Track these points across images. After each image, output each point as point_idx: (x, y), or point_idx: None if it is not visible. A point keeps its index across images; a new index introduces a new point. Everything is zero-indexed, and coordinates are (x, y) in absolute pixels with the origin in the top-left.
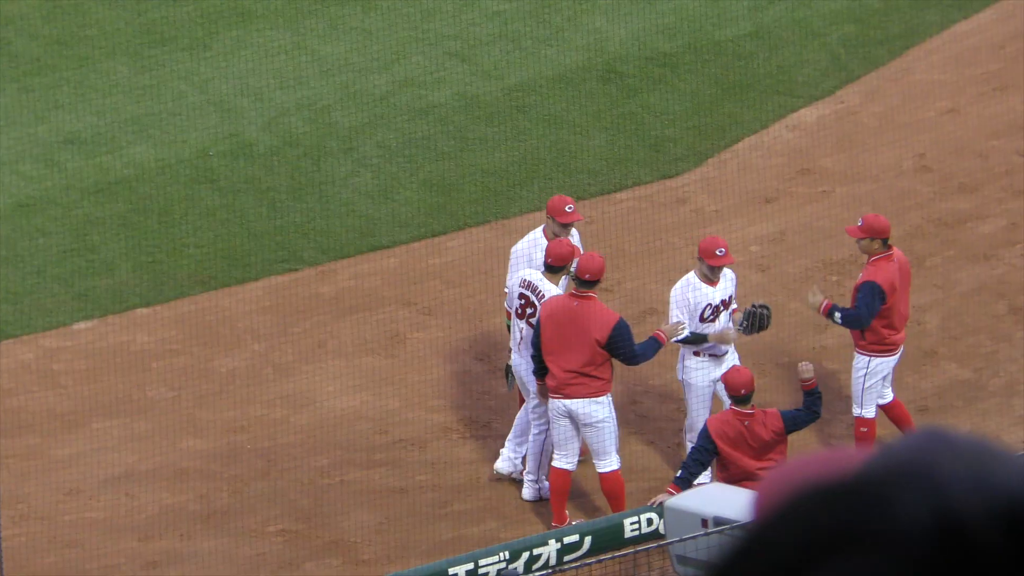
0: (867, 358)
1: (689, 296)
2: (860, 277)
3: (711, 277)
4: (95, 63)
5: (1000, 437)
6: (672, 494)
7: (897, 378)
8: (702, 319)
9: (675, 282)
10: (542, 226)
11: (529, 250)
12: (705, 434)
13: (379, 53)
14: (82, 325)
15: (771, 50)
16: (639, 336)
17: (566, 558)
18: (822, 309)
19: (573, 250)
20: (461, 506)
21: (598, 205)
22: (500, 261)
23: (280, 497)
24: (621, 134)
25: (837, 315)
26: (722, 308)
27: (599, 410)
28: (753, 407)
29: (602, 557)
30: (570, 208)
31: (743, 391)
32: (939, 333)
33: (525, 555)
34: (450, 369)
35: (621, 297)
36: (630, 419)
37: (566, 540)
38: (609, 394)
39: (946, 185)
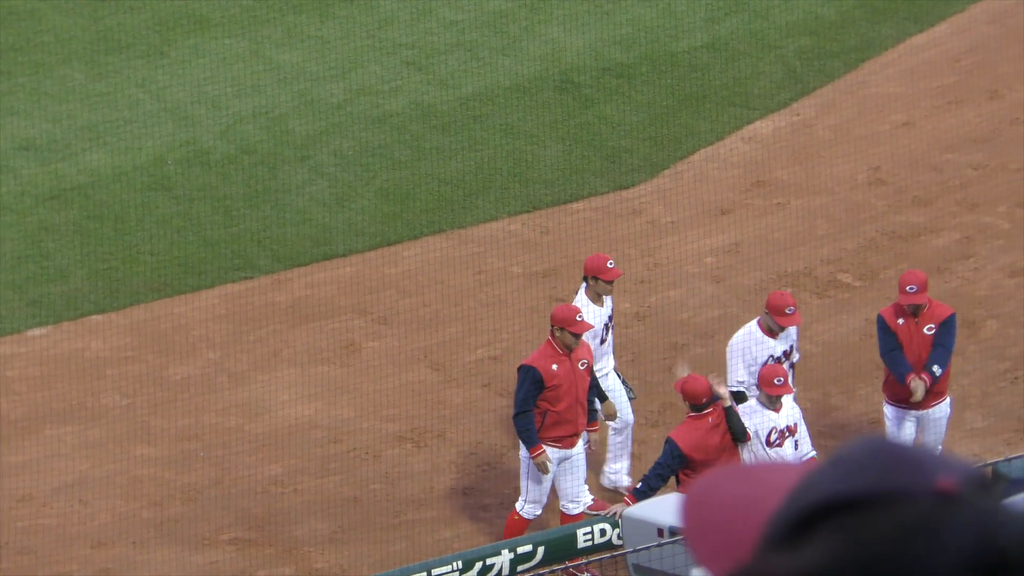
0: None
1: (752, 348)
2: (933, 309)
3: (775, 329)
4: (50, 69)
5: (952, 450)
6: (628, 505)
7: (850, 389)
8: None
9: (629, 293)
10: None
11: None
12: (673, 450)
13: (335, 61)
14: (36, 331)
15: (727, 62)
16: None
17: (519, 568)
18: (924, 382)
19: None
20: (415, 515)
21: (553, 215)
22: (455, 270)
23: (233, 505)
24: (577, 144)
25: (937, 368)
26: (783, 359)
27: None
28: (712, 406)
29: (555, 567)
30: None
31: (704, 399)
32: None
33: (478, 565)
34: (405, 378)
35: None
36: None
37: (519, 550)
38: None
39: (900, 198)
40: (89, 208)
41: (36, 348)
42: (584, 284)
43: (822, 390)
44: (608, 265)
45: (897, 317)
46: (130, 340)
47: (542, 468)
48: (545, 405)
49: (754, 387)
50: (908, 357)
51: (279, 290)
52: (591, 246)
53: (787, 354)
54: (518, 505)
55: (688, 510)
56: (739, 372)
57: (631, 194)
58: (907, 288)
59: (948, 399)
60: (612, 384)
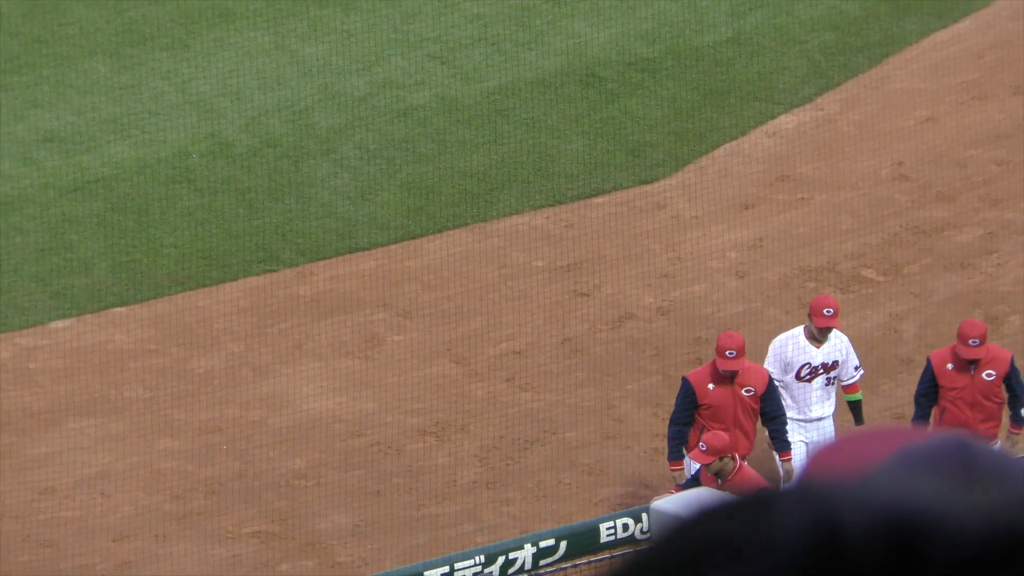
0: None
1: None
2: (991, 352)
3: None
4: (74, 61)
5: None
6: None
7: (873, 385)
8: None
9: (653, 287)
10: (803, 326)
11: (782, 346)
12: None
13: (359, 55)
14: (59, 324)
15: (751, 56)
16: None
17: (542, 562)
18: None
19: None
20: (437, 509)
21: (577, 209)
22: (478, 264)
23: (256, 498)
24: (600, 139)
25: None
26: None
27: None
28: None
29: (578, 562)
30: (829, 312)
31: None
32: (915, 341)
33: (501, 559)
34: (427, 372)
35: (599, 302)
36: (606, 424)
37: (542, 544)
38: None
39: (924, 194)
40: (112, 200)
41: (59, 340)
42: (808, 320)
43: None
44: (824, 312)
45: (947, 363)
46: (153, 333)
47: (678, 479)
48: (702, 423)
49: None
50: (963, 401)
51: (302, 283)
52: (614, 240)
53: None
54: None
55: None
56: (770, 366)
57: (654, 188)
58: (970, 342)
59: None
60: (823, 430)
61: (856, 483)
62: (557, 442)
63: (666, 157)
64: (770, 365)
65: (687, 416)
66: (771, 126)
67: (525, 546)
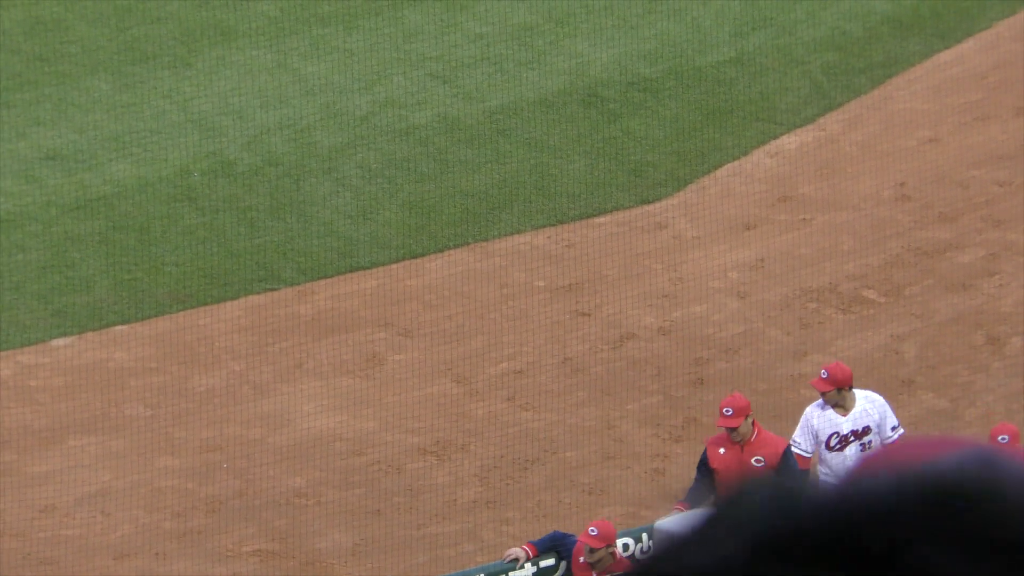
0: None
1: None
2: (770, 440)
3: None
4: (76, 80)
5: None
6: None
7: None
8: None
9: (654, 307)
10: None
11: (809, 415)
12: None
13: (361, 73)
14: (60, 342)
15: (753, 77)
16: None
17: None
18: None
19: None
20: (437, 528)
21: (578, 229)
22: (479, 283)
23: (256, 517)
24: (602, 158)
25: None
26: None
27: None
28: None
29: None
30: (825, 374)
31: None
32: (916, 362)
33: None
34: (428, 391)
35: (600, 322)
36: (606, 444)
37: (542, 564)
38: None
39: (926, 214)
40: (114, 219)
41: (60, 358)
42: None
43: None
44: (822, 374)
45: (720, 447)
46: (154, 351)
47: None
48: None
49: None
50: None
51: (303, 302)
52: (615, 260)
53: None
54: None
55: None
56: (799, 437)
57: (656, 208)
58: (724, 410)
59: None
60: None
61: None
62: (557, 461)
63: (667, 177)
64: (800, 436)
65: (704, 478)
66: (773, 146)
67: (526, 566)
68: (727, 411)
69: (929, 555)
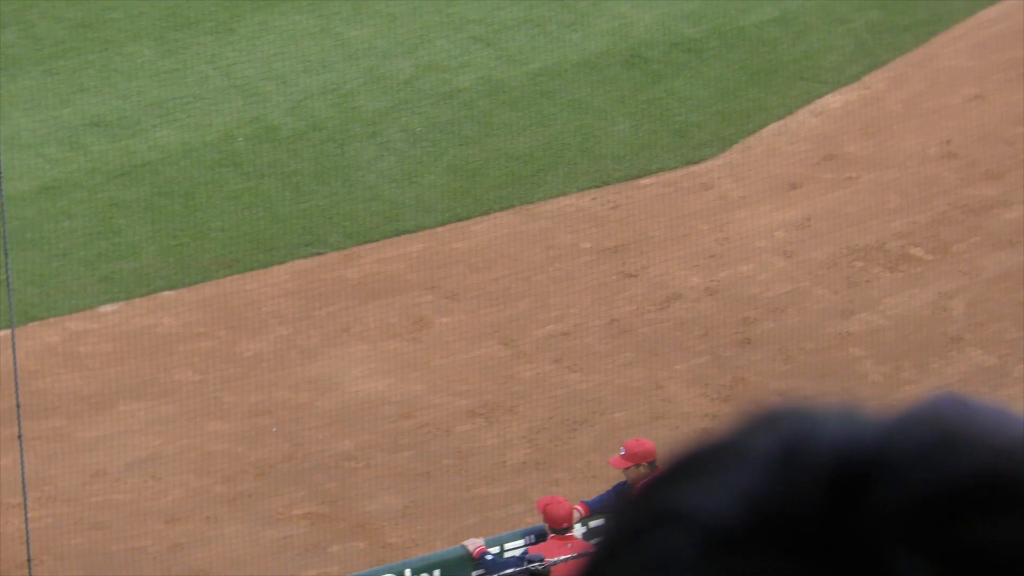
0: None
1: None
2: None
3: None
4: (119, 46)
5: None
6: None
7: (922, 363)
8: None
9: (700, 268)
10: None
11: None
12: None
13: (404, 37)
14: (107, 308)
15: (796, 36)
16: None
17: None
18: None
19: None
20: (486, 490)
21: (623, 191)
22: (525, 245)
23: (305, 480)
24: (646, 119)
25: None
26: None
27: None
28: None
29: None
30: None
31: (564, 524)
32: (965, 320)
33: None
34: (475, 354)
35: (646, 283)
36: (655, 404)
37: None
38: None
39: (972, 172)
40: (159, 184)
41: (108, 324)
42: None
43: (894, 364)
44: (620, 452)
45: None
46: (201, 316)
47: None
48: None
49: None
50: None
51: (349, 266)
52: (661, 221)
53: None
54: None
55: None
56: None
57: (701, 169)
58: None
59: None
60: None
61: (835, 416)
62: (605, 422)
63: (712, 137)
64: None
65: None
66: (817, 105)
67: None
68: (622, 451)
69: None
